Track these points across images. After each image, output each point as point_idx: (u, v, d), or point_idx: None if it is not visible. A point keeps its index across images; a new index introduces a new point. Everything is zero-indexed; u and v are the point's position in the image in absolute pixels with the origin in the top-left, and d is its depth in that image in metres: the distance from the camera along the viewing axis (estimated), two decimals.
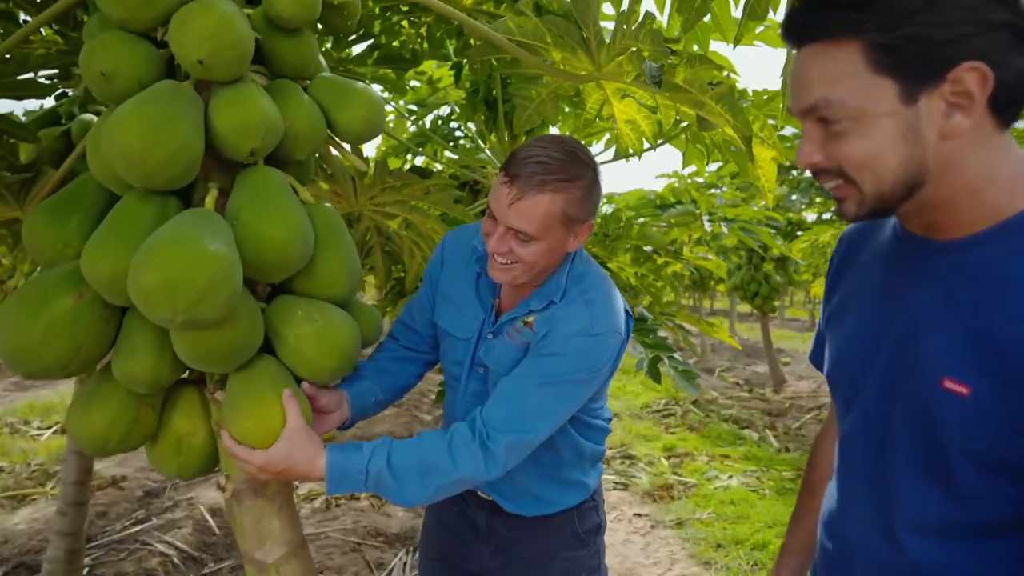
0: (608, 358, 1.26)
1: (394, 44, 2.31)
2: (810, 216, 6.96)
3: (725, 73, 1.45)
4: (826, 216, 7.34)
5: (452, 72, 2.92)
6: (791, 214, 7.17)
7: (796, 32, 0.77)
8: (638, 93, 1.88)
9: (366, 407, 1.38)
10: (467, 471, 1.17)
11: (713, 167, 5.27)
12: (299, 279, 1.21)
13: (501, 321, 1.34)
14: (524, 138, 3.07)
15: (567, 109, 2.48)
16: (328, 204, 1.27)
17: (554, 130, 2.99)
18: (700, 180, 4.85)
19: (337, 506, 4.11)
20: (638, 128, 2.02)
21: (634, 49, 1.53)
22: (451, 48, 2.60)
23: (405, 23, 2.27)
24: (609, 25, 1.54)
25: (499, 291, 1.39)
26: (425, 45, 2.34)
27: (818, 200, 6.45)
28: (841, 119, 0.73)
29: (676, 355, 2.30)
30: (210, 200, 1.10)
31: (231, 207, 1.11)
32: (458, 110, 3.63)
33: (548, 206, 1.17)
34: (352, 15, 1.28)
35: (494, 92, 2.95)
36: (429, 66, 3.32)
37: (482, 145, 3.34)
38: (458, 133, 3.82)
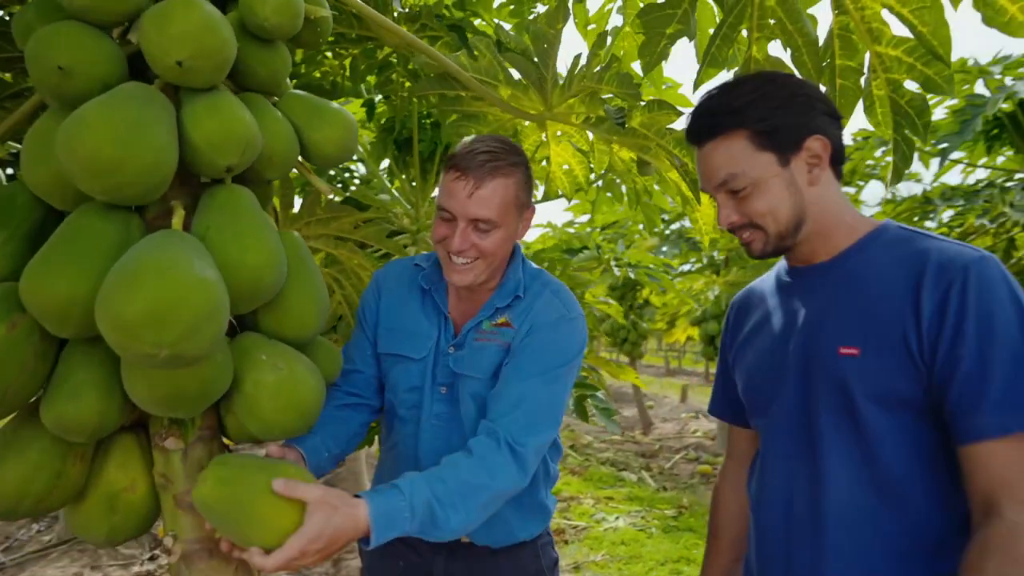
0: (584, 341, 1.31)
1: (315, 74, 2.22)
2: (684, 267, 7.42)
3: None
4: (686, 267, 7.89)
5: (364, 109, 2.84)
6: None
7: (698, 135, 1.07)
8: (575, 137, 1.93)
9: (320, 465, 1.25)
10: (503, 484, 1.14)
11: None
12: (266, 313, 1.10)
13: (466, 329, 1.32)
14: (435, 181, 3.04)
15: None
16: (295, 232, 1.17)
17: None
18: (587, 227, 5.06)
19: None
20: (571, 172, 2.07)
21: (588, 93, 1.58)
22: (372, 83, 2.54)
23: (329, 54, 2.20)
24: (562, 69, 1.57)
25: (447, 307, 1.36)
26: (347, 78, 2.27)
27: (686, 249, 6.91)
28: (745, 186, 1.02)
29: (598, 394, 2.33)
30: (177, 220, 0.97)
31: (196, 228, 0.99)
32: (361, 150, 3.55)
33: (504, 189, 1.22)
34: (325, 32, 1.21)
35: (404, 131, 2.91)
36: (337, 102, 3.22)
37: (388, 186, 3.28)
38: (354, 177, 3.72)
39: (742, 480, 1.24)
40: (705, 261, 7.21)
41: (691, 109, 1.09)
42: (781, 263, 1.19)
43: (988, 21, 1.11)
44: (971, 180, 5.73)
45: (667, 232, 7.48)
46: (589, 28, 2.19)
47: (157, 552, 4.13)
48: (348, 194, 2.83)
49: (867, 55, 1.25)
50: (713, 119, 1.04)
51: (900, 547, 0.95)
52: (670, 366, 21.62)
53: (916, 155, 4.01)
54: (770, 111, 1.01)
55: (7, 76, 1.60)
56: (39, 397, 0.97)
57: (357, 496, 1.03)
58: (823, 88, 1.27)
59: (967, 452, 0.89)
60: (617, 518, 4.93)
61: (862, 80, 1.27)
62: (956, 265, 0.91)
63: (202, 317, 0.82)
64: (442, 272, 1.32)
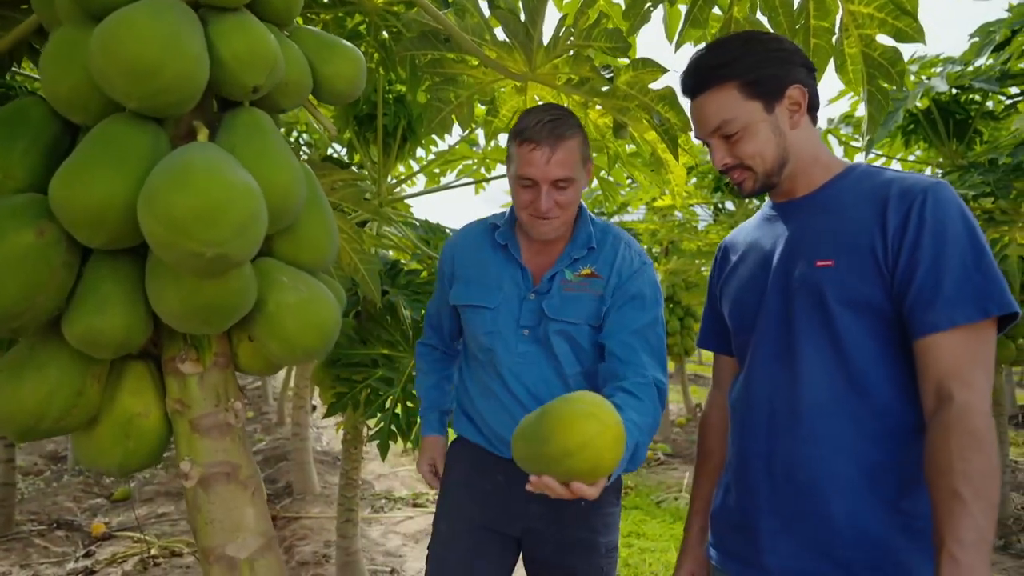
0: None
1: None
2: None
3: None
4: None
5: None
6: None
7: (693, 88, 1.19)
8: (552, 101, 1.99)
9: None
10: (659, 417, 1.31)
11: None
12: (282, 240, 1.10)
13: (547, 277, 1.47)
14: (397, 156, 3.05)
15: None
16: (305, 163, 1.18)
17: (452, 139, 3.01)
18: None
19: (156, 565, 3.56)
20: None
21: (572, 52, 1.64)
22: None
23: (300, 20, 2.18)
24: (547, 30, 1.63)
25: (521, 258, 1.51)
26: None
27: None
28: (737, 131, 1.15)
29: None
30: (202, 137, 0.97)
31: (222, 147, 0.99)
32: (316, 126, 3.51)
33: (575, 149, 1.40)
34: None
35: (365, 107, 2.91)
36: None
37: (347, 162, 3.25)
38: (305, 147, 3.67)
39: (726, 406, 1.35)
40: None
41: (687, 64, 1.20)
42: (765, 205, 1.29)
43: None
44: None
45: None
46: (565, 1, 2.26)
47: (92, 549, 3.94)
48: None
49: (838, 16, 1.36)
50: (706, 73, 1.16)
51: (868, 430, 1.07)
52: None
53: (842, 150, 4.25)
54: (755, 64, 1.13)
55: None
56: (56, 316, 0.95)
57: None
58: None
59: (922, 344, 1.02)
60: None
61: (834, 39, 1.38)
62: (916, 189, 1.06)
63: (249, 219, 0.83)
64: (514, 228, 1.54)
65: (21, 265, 0.84)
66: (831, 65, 1.42)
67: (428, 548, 1.63)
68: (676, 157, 1.68)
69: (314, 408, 9.91)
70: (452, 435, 1.73)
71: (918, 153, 4.70)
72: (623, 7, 1.53)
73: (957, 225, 1.03)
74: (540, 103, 1.48)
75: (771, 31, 1.42)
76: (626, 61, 1.57)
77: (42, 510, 4.65)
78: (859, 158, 5.80)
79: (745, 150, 1.16)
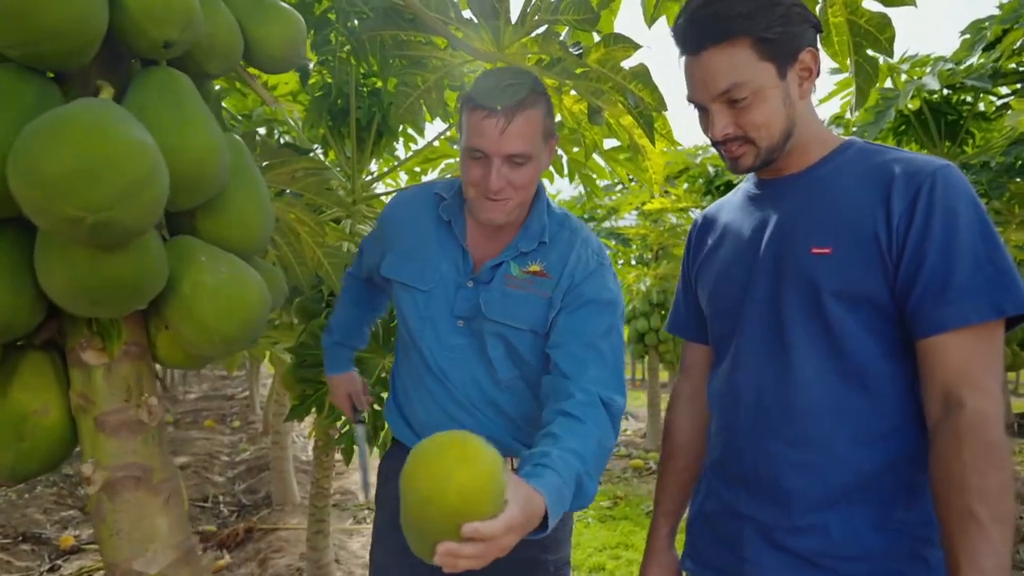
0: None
1: None
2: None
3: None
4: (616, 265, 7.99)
5: (297, 76, 2.71)
6: None
7: (698, 39, 1.00)
8: None
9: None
10: (611, 443, 1.16)
11: None
12: (206, 216, 0.99)
13: (488, 267, 1.28)
14: (372, 151, 2.95)
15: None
16: (237, 136, 1.07)
17: (429, 129, 2.91)
18: None
19: None
20: None
21: (543, 29, 1.54)
22: (307, 43, 2.42)
23: None
24: (515, 8, 1.53)
25: (466, 241, 1.32)
26: None
27: (616, 247, 7.00)
28: (747, 96, 0.99)
29: None
30: (106, 95, 0.86)
31: (130, 107, 0.88)
32: (291, 122, 3.40)
33: (534, 120, 1.19)
34: None
35: (340, 101, 2.80)
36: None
37: (321, 159, 3.14)
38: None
39: (695, 398, 1.24)
40: (634, 262, 7.35)
41: (684, 11, 1.02)
42: (747, 180, 1.18)
43: None
44: None
45: (599, 231, 7.57)
46: None
47: (59, 563, 3.79)
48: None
49: None
50: (718, 23, 0.97)
51: (863, 431, 0.97)
52: None
53: None
54: (775, 19, 0.96)
55: None
56: None
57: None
58: None
59: (928, 344, 0.92)
60: None
61: (817, 8, 1.28)
62: (925, 171, 0.94)
63: (139, 181, 0.72)
64: (463, 203, 1.31)
65: None
66: None
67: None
68: (652, 141, 1.58)
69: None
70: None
71: None
72: None
73: (969, 212, 0.92)
74: (501, 70, 1.28)
75: None
76: (597, 38, 1.47)
77: (9, 523, 4.49)
78: None
79: (753, 119, 1.00)
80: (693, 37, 1.01)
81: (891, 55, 1.18)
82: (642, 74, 1.45)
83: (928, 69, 3.91)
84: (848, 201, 0.99)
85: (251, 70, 1.28)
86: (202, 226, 1.00)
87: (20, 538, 4.14)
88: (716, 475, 1.11)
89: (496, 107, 1.15)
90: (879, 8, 1.19)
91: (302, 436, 8.43)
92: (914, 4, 1.13)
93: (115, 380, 0.94)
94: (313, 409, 2.23)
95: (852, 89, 4.03)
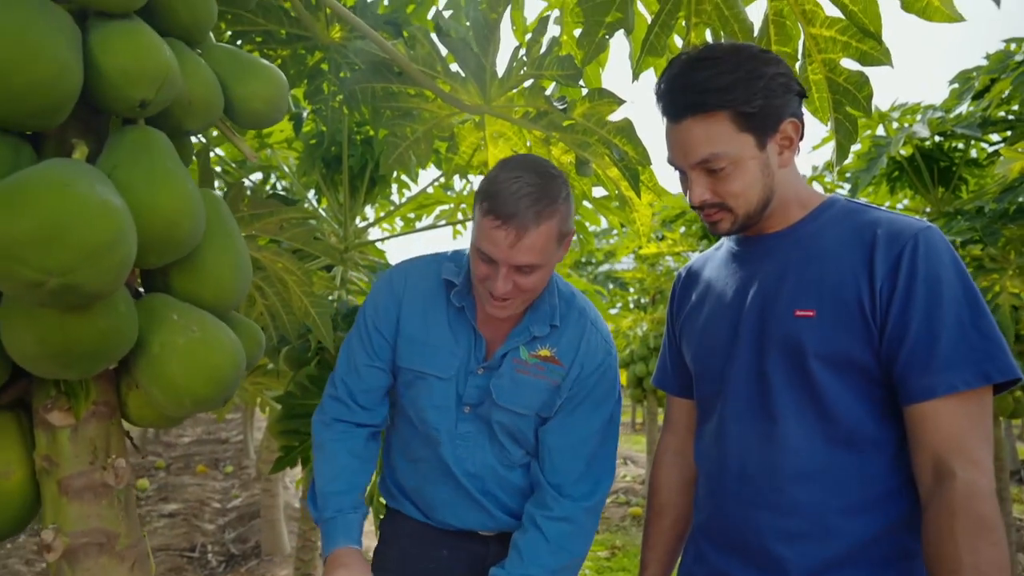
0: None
1: None
2: (612, 311, 7.49)
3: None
4: (613, 311, 7.99)
5: (291, 124, 2.74)
6: None
7: (679, 110, 1.01)
8: (513, 140, 1.90)
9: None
10: (587, 546, 1.28)
11: None
12: (180, 273, 0.98)
13: (500, 353, 1.27)
14: (364, 198, 2.96)
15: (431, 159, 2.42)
16: (214, 190, 1.07)
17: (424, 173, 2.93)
18: None
19: None
20: None
21: (529, 83, 1.56)
22: (299, 96, 2.46)
23: (257, 54, 2.11)
24: (501, 64, 1.55)
25: (476, 322, 1.30)
26: None
27: (614, 291, 7.00)
28: (725, 166, 1.00)
29: None
30: (79, 155, 0.86)
31: (101, 167, 0.88)
32: (286, 169, 3.44)
33: (547, 234, 1.15)
34: None
35: (333, 148, 2.83)
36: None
37: (315, 206, 3.16)
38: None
39: (682, 453, 1.23)
40: (632, 305, 7.33)
41: (666, 76, 1.04)
42: (729, 239, 1.18)
43: (907, 7, 1.15)
44: None
45: (595, 275, 7.59)
46: (527, 37, 2.20)
47: None
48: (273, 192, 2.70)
49: (801, 42, 1.28)
50: (698, 96, 0.99)
51: (855, 499, 0.95)
52: None
53: None
54: (755, 93, 0.98)
55: None
56: None
57: None
58: None
59: (916, 411, 0.91)
60: None
61: (797, 66, 1.30)
62: (906, 233, 0.95)
63: (103, 243, 0.71)
64: (471, 286, 1.29)
65: None
66: None
67: None
68: (638, 194, 1.58)
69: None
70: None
71: (906, 202, 4.64)
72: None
73: (952, 277, 0.92)
74: (518, 155, 1.26)
75: None
76: (584, 92, 1.49)
77: None
78: None
79: (730, 188, 1.02)
80: (673, 105, 1.02)
81: (868, 113, 1.19)
82: (626, 129, 1.46)
83: (919, 117, 3.97)
84: (831, 262, 1.00)
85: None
86: (176, 283, 0.99)
87: None
88: (705, 539, 1.08)
89: (509, 219, 1.11)
90: (857, 67, 1.20)
91: (294, 481, 8.30)
92: (890, 64, 1.15)
93: (81, 442, 0.91)
94: (299, 461, 2.18)
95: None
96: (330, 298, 2.51)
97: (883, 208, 1.04)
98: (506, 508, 1.33)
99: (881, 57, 1.16)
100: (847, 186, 4.23)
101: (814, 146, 4.30)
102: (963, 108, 3.92)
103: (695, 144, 1.00)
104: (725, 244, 1.19)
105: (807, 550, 0.95)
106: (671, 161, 1.07)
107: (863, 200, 1.09)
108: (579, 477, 1.26)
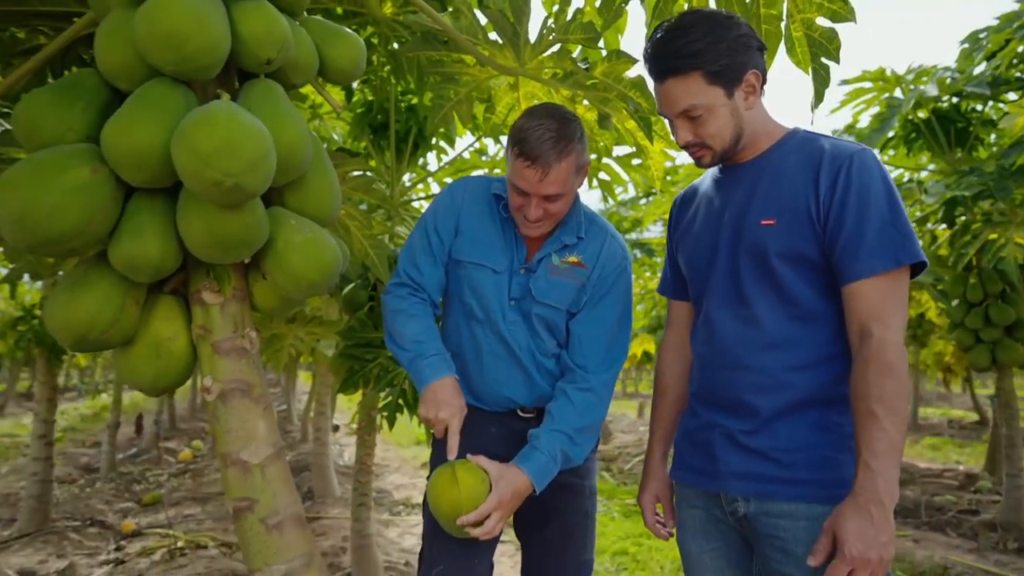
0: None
1: None
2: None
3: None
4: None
5: (343, 94, 3.04)
6: None
7: (660, 71, 1.30)
8: (543, 98, 2.17)
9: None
10: (602, 415, 1.56)
11: None
12: (292, 192, 1.29)
13: (538, 258, 1.58)
14: (409, 161, 3.26)
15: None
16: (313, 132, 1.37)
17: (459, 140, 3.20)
18: None
19: (183, 555, 3.73)
20: None
21: (557, 47, 1.83)
22: None
23: None
24: (533, 30, 1.82)
25: (519, 231, 1.61)
26: None
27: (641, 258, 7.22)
28: (701, 114, 1.27)
29: None
30: (225, 99, 1.17)
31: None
32: (335, 138, 3.75)
33: (567, 167, 1.45)
34: None
35: (379, 116, 3.13)
36: (309, 90, 3.42)
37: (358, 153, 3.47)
38: None
39: (680, 346, 1.51)
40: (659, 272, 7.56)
41: (649, 44, 1.32)
42: (713, 168, 1.45)
43: None
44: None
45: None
46: (555, 8, 2.46)
47: (123, 544, 4.13)
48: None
49: (784, 5, 1.53)
50: (674, 61, 1.26)
51: (808, 359, 1.24)
52: (627, 390, 22.83)
53: None
54: (719, 54, 1.24)
55: (20, 32, 1.77)
56: (105, 247, 1.14)
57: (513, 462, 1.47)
58: None
59: (848, 290, 1.19)
60: None
61: (783, 25, 1.55)
62: (844, 155, 1.22)
63: (260, 156, 1.02)
64: None
65: (78, 195, 1.03)
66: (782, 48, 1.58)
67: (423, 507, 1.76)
68: (651, 140, 1.85)
69: (336, 428, 10.10)
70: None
71: (931, 168, 4.78)
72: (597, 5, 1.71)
73: (879, 187, 1.18)
74: (539, 104, 1.56)
75: None
76: (603, 53, 1.76)
77: (76, 511, 4.86)
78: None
79: (707, 130, 1.29)
80: (656, 69, 1.30)
81: (838, 62, 1.44)
82: (640, 84, 1.72)
83: (932, 79, 4.11)
84: (787, 181, 1.26)
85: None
86: (288, 200, 1.29)
87: (88, 523, 4.50)
88: (697, 401, 1.37)
89: (536, 159, 1.41)
90: (829, 24, 1.45)
91: (338, 444, 8.75)
92: (855, 20, 1.39)
93: (227, 316, 1.23)
94: (361, 387, 2.52)
95: (862, 99, 4.30)
96: None
97: (832, 136, 1.30)
98: (540, 386, 1.63)
99: (847, 15, 1.41)
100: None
101: (832, 109, 4.46)
102: (980, 69, 4.04)
103: (676, 99, 1.28)
104: (710, 173, 1.46)
105: (772, 398, 1.23)
106: (660, 111, 1.35)
107: (819, 131, 1.34)
108: (601, 358, 1.57)
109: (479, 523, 1.39)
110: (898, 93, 4.29)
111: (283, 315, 1.33)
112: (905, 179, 4.83)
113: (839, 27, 1.45)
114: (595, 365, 1.56)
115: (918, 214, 4.41)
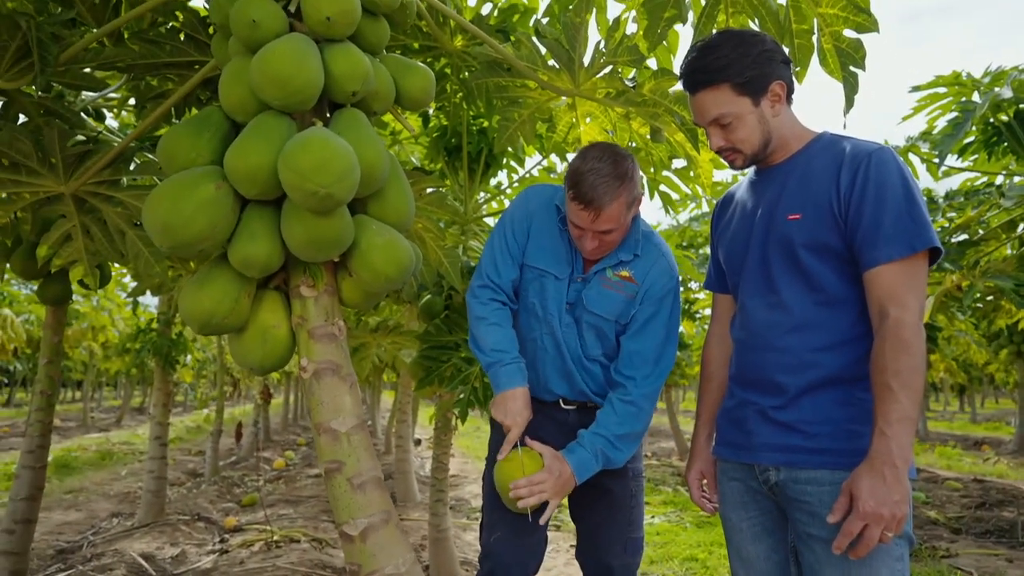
0: None
1: None
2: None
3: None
4: None
5: (419, 119, 3.32)
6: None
7: (693, 86, 1.44)
8: (601, 118, 2.36)
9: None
10: (645, 424, 1.73)
11: None
12: (373, 202, 1.52)
13: (594, 270, 1.76)
14: (481, 179, 3.50)
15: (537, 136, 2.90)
16: (391, 152, 1.60)
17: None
18: None
19: (278, 547, 4.05)
20: None
21: (608, 69, 2.01)
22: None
23: None
24: (587, 58, 2.00)
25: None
26: None
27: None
28: (731, 121, 1.41)
29: None
30: (319, 126, 1.41)
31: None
32: (413, 161, 4.05)
33: (619, 207, 1.60)
34: (411, 14, 1.67)
35: (453, 139, 3.39)
36: (390, 118, 3.72)
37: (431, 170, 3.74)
38: None
39: (723, 336, 1.63)
40: None
41: (684, 62, 1.49)
42: (751, 170, 1.59)
43: None
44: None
45: (700, 257, 7.80)
46: (607, 33, 2.64)
47: (227, 536, 4.50)
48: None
49: (815, 20, 1.66)
50: (704, 76, 1.41)
51: (833, 341, 1.35)
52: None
53: (924, 167, 4.32)
54: (745, 67, 1.38)
55: (153, 81, 2.10)
56: (225, 250, 1.40)
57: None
58: (785, 49, 1.69)
59: (868, 275, 1.30)
60: (653, 517, 5.14)
61: (813, 38, 1.68)
62: (863, 153, 1.34)
63: (346, 170, 1.25)
64: None
65: (206, 207, 1.29)
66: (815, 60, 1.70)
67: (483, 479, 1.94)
68: (698, 150, 1.99)
69: (418, 442, 10.44)
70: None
71: (1017, 170, 4.60)
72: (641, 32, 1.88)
73: (895, 180, 1.30)
74: (593, 144, 1.71)
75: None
76: (651, 71, 1.92)
77: (185, 508, 5.33)
78: (938, 185, 5.73)
79: (737, 136, 1.43)
80: (690, 82, 1.45)
81: (864, 69, 1.55)
82: (682, 98, 1.88)
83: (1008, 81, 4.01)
84: (813, 180, 1.39)
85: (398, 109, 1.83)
86: (370, 209, 1.53)
87: (196, 518, 4.93)
88: (734, 383, 1.50)
89: (589, 203, 1.57)
90: (855, 35, 1.57)
91: (419, 456, 9.07)
92: (877, 31, 1.51)
93: (320, 307, 1.47)
94: (437, 383, 2.74)
95: (937, 105, 4.27)
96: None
97: (856, 137, 1.41)
98: (584, 386, 1.80)
99: (871, 27, 1.52)
100: (934, 152, 4.30)
101: (904, 117, 4.42)
102: None
103: (708, 108, 1.42)
104: (747, 176, 1.60)
105: (798, 377, 1.35)
106: (695, 121, 1.51)
107: (846, 133, 1.46)
108: (646, 372, 1.72)
109: (531, 496, 1.60)
110: (976, 97, 4.20)
111: (366, 308, 1.56)
112: (984, 185, 4.68)
113: (864, 37, 1.56)
114: (640, 379, 1.71)
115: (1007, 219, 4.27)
